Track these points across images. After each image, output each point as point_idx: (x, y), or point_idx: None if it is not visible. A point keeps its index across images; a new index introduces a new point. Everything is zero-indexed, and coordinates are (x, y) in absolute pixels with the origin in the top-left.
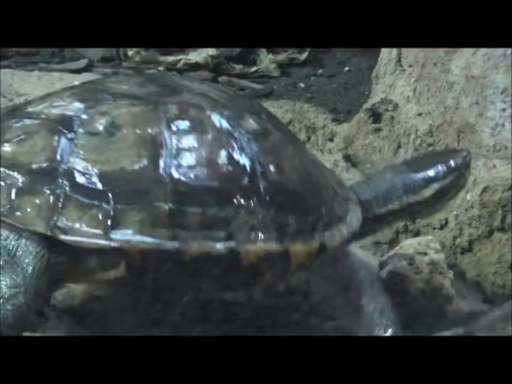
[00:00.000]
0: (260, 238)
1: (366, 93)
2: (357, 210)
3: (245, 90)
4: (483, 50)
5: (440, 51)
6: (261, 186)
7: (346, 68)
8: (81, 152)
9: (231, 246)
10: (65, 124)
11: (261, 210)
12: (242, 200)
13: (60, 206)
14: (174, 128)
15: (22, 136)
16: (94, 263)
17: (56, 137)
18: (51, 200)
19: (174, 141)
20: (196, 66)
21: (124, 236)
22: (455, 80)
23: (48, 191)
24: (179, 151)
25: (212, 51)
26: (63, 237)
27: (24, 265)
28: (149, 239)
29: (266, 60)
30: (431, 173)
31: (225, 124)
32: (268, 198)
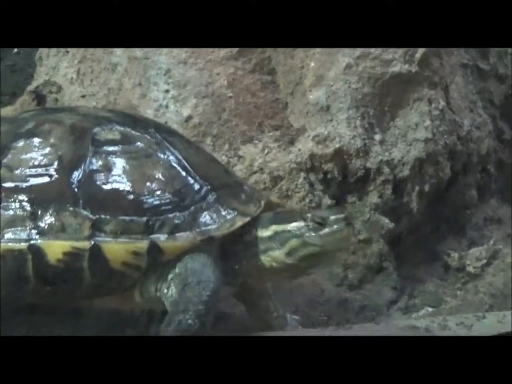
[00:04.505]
0: (66, 233)
1: (33, 75)
2: (233, 221)
3: None
4: None
5: None
6: (81, 188)
7: (15, 50)
8: None
9: (34, 242)
10: None
11: (74, 209)
12: (53, 200)
13: None
14: (21, 139)
15: None
16: None
17: None
18: None
19: (14, 150)
20: None
21: None
22: (118, 62)
23: None
24: (15, 158)
25: None
26: None
27: None
28: None
29: None
30: (276, 218)
31: (76, 135)
32: (85, 199)
